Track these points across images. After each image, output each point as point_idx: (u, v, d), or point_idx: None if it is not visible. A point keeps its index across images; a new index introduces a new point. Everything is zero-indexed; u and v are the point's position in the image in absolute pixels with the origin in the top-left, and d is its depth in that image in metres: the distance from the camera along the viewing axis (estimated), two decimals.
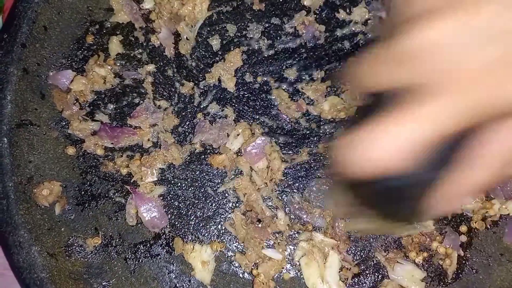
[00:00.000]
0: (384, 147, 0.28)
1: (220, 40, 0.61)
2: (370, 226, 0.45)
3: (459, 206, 0.31)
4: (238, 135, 0.59)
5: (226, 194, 0.59)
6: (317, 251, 0.55)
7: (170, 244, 0.58)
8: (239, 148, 0.59)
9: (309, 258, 0.55)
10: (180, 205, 0.59)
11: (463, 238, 0.57)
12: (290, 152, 0.59)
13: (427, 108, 0.27)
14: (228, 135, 0.59)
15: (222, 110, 0.61)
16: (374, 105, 0.30)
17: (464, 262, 0.56)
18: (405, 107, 0.27)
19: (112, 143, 0.59)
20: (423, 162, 0.29)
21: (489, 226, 0.57)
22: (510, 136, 0.29)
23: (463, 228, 0.57)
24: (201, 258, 0.57)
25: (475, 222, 0.56)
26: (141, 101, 0.61)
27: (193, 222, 0.58)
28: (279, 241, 0.57)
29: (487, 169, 0.30)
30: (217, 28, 0.62)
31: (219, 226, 0.58)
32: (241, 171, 0.59)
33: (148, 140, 0.60)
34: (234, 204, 0.59)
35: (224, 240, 0.58)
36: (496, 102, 0.26)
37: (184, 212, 0.59)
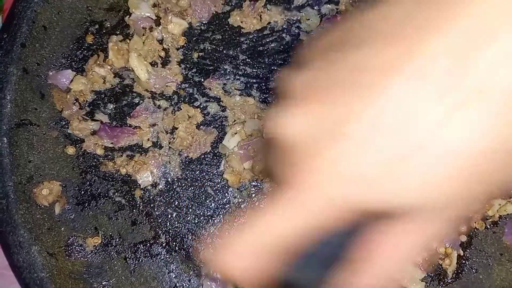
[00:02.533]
0: (237, 253, 0.26)
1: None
2: None
3: None
4: (235, 133, 0.59)
5: (226, 194, 0.59)
6: None
7: (170, 244, 0.58)
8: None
9: None
10: (180, 204, 0.59)
11: (463, 238, 0.57)
12: None
13: (285, 205, 0.25)
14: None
15: (223, 111, 0.61)
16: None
17: (464, 262, 0.56)
18: (267, 208, 0.25)
19: (112, 143, 0.59)
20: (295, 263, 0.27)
21: (489, 226, 0.57)
22: (396, 244, 0.25)
23: (462, 228, 0.57)
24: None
25: (475, 222, 0.56)
26: (141, 101, 0.61)
27: (193, 222, 0.58)
28: None
29: (376, 274, 0.26)
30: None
31: (219, 225, 0.58)
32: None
33: (148, 140, 0.60)
34: (234, 204, 0.59)
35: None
36: (369, 203, 0.24)
37: (184, 212, 0.59)
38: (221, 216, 0.58)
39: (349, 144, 0.23)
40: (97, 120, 0.60)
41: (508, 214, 0.57)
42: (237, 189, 0.59)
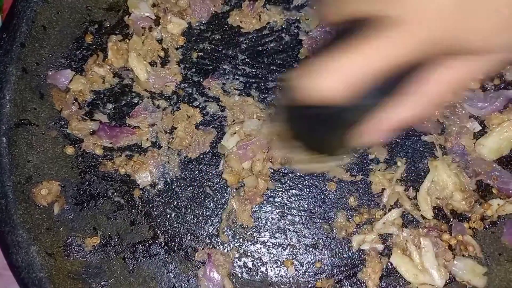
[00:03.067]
0: (333, 78, 0.29)
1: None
2: (301, 159, 0.46)
3: (380, 139, 0.35)
4: (234, 133, 0.59)
5: (225, 194, 0.59)
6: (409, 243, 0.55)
7: (169, 244, 0.58)
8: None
9: (402, 253, 0.55)
10: (179, 204, 0.59)
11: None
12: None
13: (382, 40, 0.28)
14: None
15: (222, 111, 0.61)
16: (338, 36, 0.31)
17: None
18: (361, 39, 0.28)
19: (111, 143, 0.59)
20: (365, 92, 0.30)
21: (487, 226, 0.57)
22: (447, 73, 0.30)
23: None
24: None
25: (474, 222, 0.56)
26: (140, 101, 0.61)
27: (192, 222, 0.58)
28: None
29: (416, 106, 0.31)
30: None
31: (218, 225, 0.58)
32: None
33: (147, 139, 0.60)
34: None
35: (223, 240, 0.58)
36: (448, 42, 0.28)
37: (183, 212, 0.58)
38: (220, 216, 0.58)
39: None
40: (96, 120, 0.60)
41: (507, 214, 0.57)
42: (236, 189, 0.59)
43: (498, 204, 0.56)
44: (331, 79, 0.29)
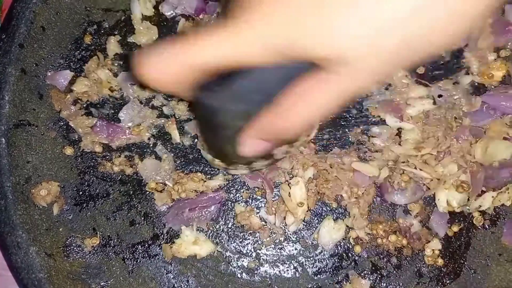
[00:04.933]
0: (162, 67, 0.29)
1: None
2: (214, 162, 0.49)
3: (259, 150, 0.33)
4: None
5: (226, 194, 0.59)
6: None
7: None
8: None
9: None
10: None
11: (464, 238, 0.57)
12: None
13: (219, 35, 0.27)
14: None
15: None
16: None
17: (462, 262, 0.56)
18: (207, 31, 0.28)
19: (109, 139, 0.59)
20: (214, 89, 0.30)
21: (487, 226, 0.57)
22: (318, 92, 0.28)
23: (455, 228, 0.57)
24: (190, 243, 0.57)
25: (473, 218, 0.56)
26: (140, 102, 0.61)
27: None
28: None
29: (285, 118, 0.30)
30: None
31: (217, 226, 0.58)
32: None
33: (149, 139, 0.60)
34: (233, 204, 0.59)
35: (222, 241, 0.58)
36: (293, 47, 0.26)
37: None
38: (220, 216, 0.58)
39: None
40: (95, 117, 0.60)
41: (505, 213, 0.57)
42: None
43: (492, 196, 0.56)
44: (157, 64, 0.29)
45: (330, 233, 0.56)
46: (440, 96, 0.57)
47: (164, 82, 0.29)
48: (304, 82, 0.29)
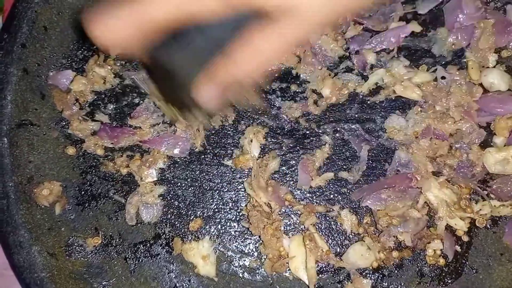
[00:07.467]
0: (116, 26, 0.29)
1: None
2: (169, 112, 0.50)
3: (213, 97, 0.35)
4: (251, 140, 0.59)
5: (226, 194, 0.59)
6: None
7: (170, 244, 0.58)
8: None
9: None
10: (180, 205, 0.59)
11: (465, 238, 0.57)
12: (289, 153, 0.59)
13: None
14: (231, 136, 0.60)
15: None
16: None
17: (464, 261, 0.56)
18: None
19: (112, 143, 0.59)
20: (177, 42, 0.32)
21: (489, 226, 0.57)
22: (265, 40, 0.30)
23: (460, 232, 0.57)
24: (200, 254, 0.57)
25: (477, 221, 0.56)
26: (141, 101, 0.61)
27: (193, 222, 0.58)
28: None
29: (245, 64, 0.32)
30: None
31: (219, 226, 0.58)
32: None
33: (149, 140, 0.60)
34: (234, 204, 0.59)
35: (224, 240, 0.58)
36: None
37: (184, 212, 0.59)
38: (221, 216, 0.59)
39: None
40: (98, 121, 0.60)
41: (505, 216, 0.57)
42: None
43: (495, 206, 0.56)
44: (111, 25, 0.29)
45: (356, 257, 0.56)
46: (443, 77, 0.58)
47: (119, 41, 0.30)
48: (251, 32, 0.31)
